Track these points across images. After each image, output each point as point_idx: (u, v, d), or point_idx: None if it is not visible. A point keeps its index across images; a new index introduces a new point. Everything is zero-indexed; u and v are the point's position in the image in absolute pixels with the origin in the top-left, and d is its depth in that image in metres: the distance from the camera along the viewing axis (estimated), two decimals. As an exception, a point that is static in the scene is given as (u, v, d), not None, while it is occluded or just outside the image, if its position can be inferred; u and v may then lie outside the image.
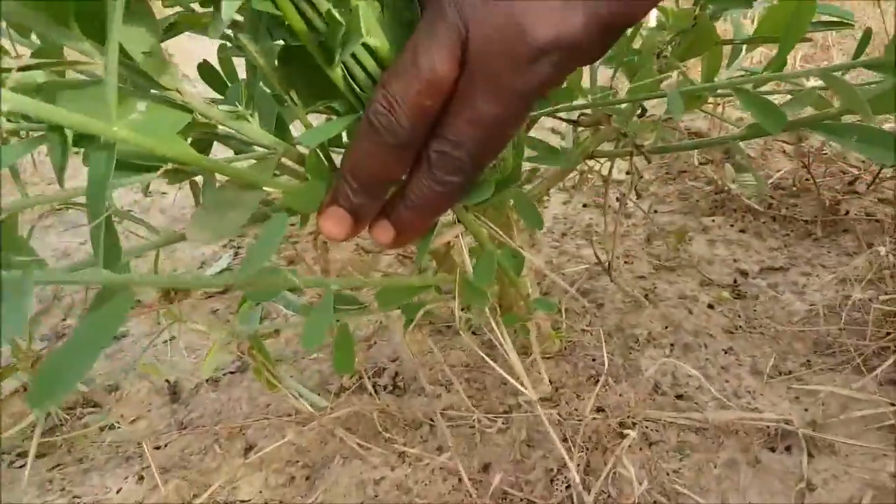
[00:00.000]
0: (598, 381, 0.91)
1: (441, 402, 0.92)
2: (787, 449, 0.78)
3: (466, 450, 0.83)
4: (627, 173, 1.44)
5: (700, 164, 1.51)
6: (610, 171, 0.95)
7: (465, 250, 0.60)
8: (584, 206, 1.42)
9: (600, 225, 1.33)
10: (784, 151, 1.49)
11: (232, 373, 1.05)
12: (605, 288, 1.11)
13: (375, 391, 0.96)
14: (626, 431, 0.80)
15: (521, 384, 0.70)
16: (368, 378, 0.98)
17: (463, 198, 0.42)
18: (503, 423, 0.85)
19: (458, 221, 0.58)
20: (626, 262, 1.19)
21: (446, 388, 0.95)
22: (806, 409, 0.84)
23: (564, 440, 0.81)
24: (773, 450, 0.78)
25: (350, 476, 0.80)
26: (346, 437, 0.85)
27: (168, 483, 0.82)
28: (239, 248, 1.43)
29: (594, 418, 0.84)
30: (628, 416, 0.83)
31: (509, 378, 0.73)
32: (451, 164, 0.34)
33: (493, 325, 0.78)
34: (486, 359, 0.77)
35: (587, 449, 0.80)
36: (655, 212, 1.36)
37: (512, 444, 0.82)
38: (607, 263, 0.97)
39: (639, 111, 0.88)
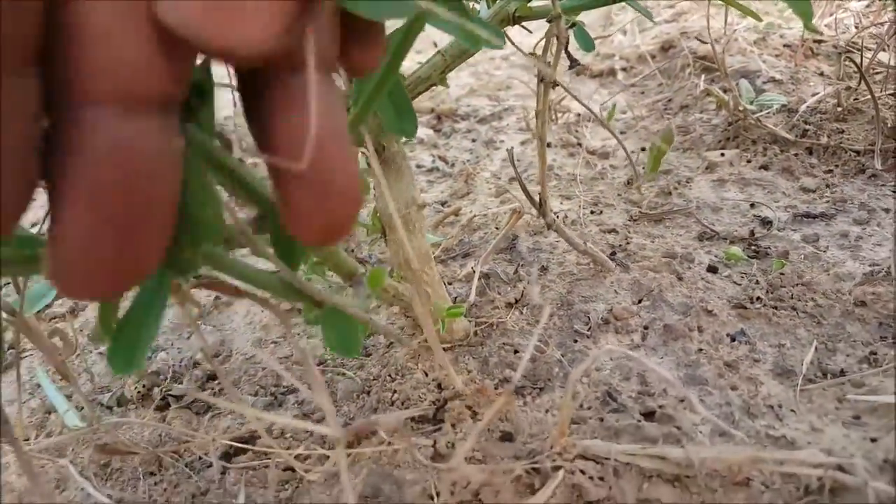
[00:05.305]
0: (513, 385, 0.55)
1: (263, 421, 0.56)
2: (845, 519, 0.41)
3: (263, 511, 0.47)
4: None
5: (707, 95, 1.12)
6: (547, 45, 0.58)
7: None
8: (548, 145, 1.04)
9: (565, 168, 0.96)
10: (821, 73, 1.10)
11: None
12: (554, 246, 0.74)
13: (166, 404, 0.60)
14: (542, 480, 0.44)
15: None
16: (166, 382, 0.62)
17: None
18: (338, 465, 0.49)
19: None
20: (593, 213, 0.82)
21: (275, 398, 0.59)
22: (874, 440, 0.47)
23: (431, 497, 0.45)
24: (816, 521, 0.41)
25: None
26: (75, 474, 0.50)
27: None
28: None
29: (493, 454, 0.47)
30: (551, 451, 0.46)
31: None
32: None
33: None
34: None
35: (469, 514, 0.43)
36: (643, 150, 0.98)
37: None
38: (538, 199, 0.60)
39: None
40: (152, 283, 0.26)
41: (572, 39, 0.57)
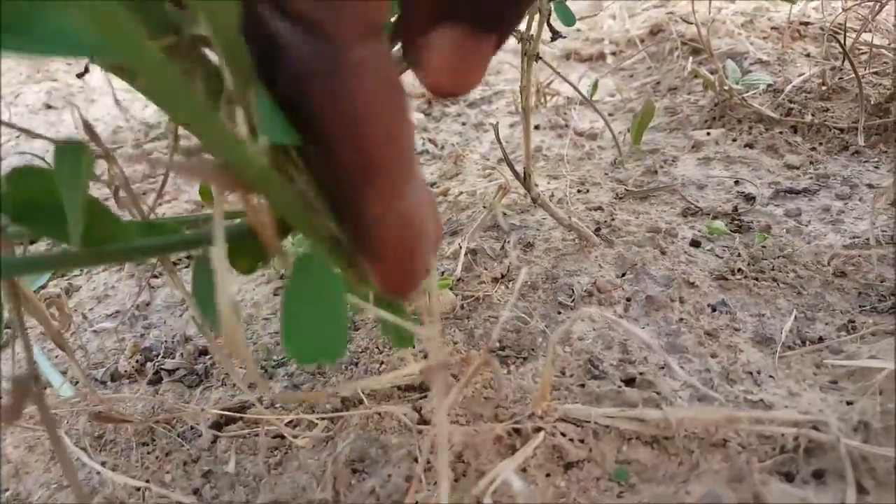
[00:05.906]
0: (495, 354, 0.56)
1: (255, 392, 0.57)
2: (818, 476, 0.42)
3: (254, 481, 0.48)
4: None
5: (694, 77, 1.13)
6: (529, 21, 0.58)
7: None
8: (536, 127, 1.05)
9: (553, 149, 0.97)
10: (808, 55, 1.11)
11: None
12: (541, 223, 0.75)
13: (159, 378, 0.61)
14: (523, 441, 0.45)
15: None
16: (158, 357, 0.63)
17: None
18: (326, 430, 0.50)
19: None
20: (579, 192, 0.83)
21: (265, 371, 0.60)
22: (849, 403, 0.48)
23: (415, 460, 0.46)
24: (789, 478, 0.43)
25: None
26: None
27: None
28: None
29: (475, 417, 0.48)
30: (532, 415, 0.47)
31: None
32: None
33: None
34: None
35: (453, 473, 0.44)
36: (629, 131, 0.99)
37: (323, 471, 0.47)
38: (523, 172, 0.61)
39: None
40: (302, 262, 0.25)
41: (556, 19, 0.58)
